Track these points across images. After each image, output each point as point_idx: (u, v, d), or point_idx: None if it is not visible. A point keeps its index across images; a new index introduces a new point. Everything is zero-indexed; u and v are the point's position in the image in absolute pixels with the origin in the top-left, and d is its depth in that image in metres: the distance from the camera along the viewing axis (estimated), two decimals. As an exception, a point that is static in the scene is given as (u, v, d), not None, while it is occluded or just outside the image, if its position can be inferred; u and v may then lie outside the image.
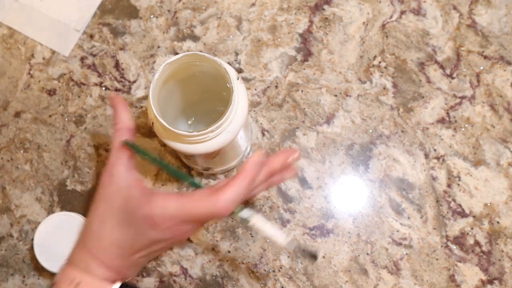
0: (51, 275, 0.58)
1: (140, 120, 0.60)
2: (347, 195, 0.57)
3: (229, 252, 0.57)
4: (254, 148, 0.59)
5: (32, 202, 0.59)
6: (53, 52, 0.63)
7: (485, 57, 0.60)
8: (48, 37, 0.63)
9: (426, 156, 0.58)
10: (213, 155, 0.48)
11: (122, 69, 0.62)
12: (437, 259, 0.55)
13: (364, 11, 0.61)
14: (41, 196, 0.59)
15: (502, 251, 0.55)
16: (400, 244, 0.56)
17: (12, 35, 0.64)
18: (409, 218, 0.56)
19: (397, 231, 0.56)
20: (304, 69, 0.60)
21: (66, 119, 0.61)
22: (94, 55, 0.62)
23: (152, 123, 0.46)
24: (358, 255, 0.56)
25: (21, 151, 0.61)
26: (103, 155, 0.60)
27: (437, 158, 0.57)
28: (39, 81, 0.62)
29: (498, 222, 0.56)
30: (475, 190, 0.57)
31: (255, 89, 0.60)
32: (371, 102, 0.59)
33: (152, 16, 0.63)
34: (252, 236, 0.57)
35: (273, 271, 0.56)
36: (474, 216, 0.56)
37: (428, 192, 0.57)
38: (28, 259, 0.59)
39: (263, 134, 0.59)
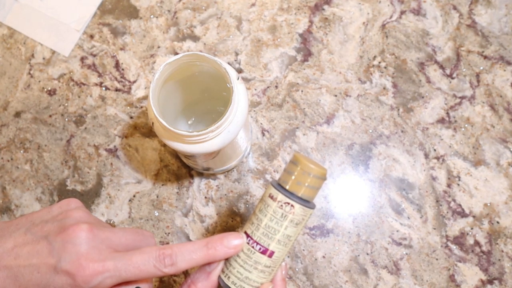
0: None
1: (140, 120, 0.60)
2: (347, 195, 0.57)
3: (229, 252, 0.57)
4: (254, 148, 0.59)
5: (32, 202, 0.59)
6: (53, 52, 0.63)
7: (485, 57, 0.60)
8: (48, 37, 0.63)
9: (426, 156, 0.58)
10: (213, 155, 0.48)
11: (122, 69, 0.62)
12: (437, 259, 0.55)
13: (364, 11, 0.61)
14: (41, 196, 0.59)
15: (502, 251, 0.55)
16: (400, 244, 0.56)
17: (12, 35, 0.64)
18: (409, 218, 0.56)
19: (397, 231, 0.56)
20: (304, 69, 0.60)
21: (66, 119, 0.61)
22: (94, 55, 0.62)
23: (152, 123, 0.46)
24: (358, 255, 0.56)
25: (21, 151, 0.61)
26: (103, 155, 0.60)
27: (437, 158, 0.57)
28: (39, 81, 0.62)
29: (498, 222, 0.56)
30: (475, 190, 0.57)
31: (255, 89, 0.60)
32: (371, 102, 0.59)
33: (152, 16, 0.63)
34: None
35: (273, 271, 0.56)
36: (474, 216, 0.56)
37: (428, 192, 0.57)
38: (28, 259, 0.59)
39: (263, 134, 0.59)
